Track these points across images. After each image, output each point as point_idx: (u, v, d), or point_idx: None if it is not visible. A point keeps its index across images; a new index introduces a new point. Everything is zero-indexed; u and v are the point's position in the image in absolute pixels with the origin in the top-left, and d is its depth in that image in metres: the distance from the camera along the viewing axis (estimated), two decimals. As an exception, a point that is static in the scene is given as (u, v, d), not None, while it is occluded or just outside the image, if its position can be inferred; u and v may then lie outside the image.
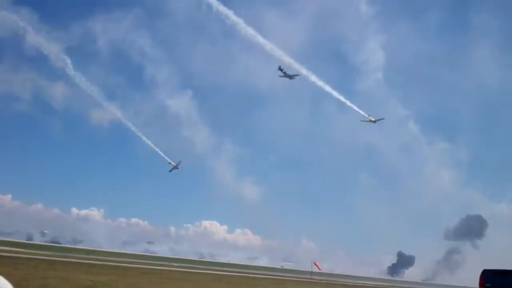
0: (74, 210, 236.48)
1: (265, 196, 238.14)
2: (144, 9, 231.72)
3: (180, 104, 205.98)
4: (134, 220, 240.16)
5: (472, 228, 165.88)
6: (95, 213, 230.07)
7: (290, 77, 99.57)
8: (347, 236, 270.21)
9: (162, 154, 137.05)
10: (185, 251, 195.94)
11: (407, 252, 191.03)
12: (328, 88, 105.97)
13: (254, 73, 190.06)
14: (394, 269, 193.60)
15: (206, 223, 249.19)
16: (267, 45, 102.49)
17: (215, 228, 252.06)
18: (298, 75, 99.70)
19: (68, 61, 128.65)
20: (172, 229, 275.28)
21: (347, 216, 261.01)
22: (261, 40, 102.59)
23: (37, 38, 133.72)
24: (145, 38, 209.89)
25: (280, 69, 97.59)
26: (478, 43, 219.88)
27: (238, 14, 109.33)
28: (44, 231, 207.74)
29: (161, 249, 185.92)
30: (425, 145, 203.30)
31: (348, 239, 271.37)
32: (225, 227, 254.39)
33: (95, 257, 59.14)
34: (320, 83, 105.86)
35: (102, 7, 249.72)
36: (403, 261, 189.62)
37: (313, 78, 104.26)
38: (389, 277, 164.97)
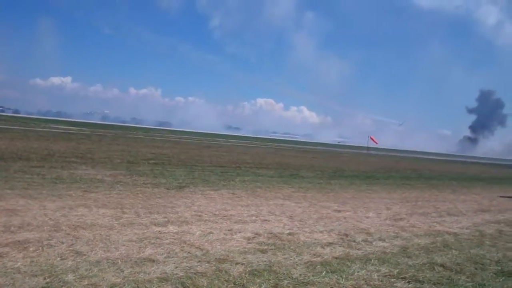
0: (132, 90, 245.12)
1: (341, 72, 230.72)
2: None
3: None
4: (191, 99, 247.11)
5: None
6: (153, 92, 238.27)
7: None
8: (429, 112, 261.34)
9: None
10: (242, 129, 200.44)
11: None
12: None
13: None
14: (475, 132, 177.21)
15: (261, 101, 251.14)
16: None
17: (271, 105, 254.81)
18: None
19: None
20: (229, 107, 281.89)
21: (430, 90, 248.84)
22: None
23: None
24: None
25: None
26: None
27: None
28: (105, 111, 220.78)
29: (214, 126, 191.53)
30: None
31: (428, 115, 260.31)
32: (281, 104, 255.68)
33: (157, 134, 61.17)
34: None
35: None
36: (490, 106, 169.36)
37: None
38: (461, 153, 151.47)
